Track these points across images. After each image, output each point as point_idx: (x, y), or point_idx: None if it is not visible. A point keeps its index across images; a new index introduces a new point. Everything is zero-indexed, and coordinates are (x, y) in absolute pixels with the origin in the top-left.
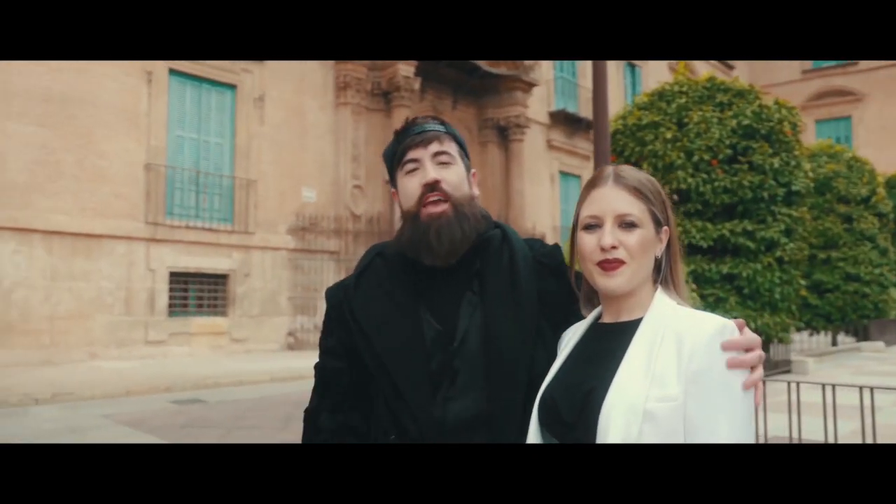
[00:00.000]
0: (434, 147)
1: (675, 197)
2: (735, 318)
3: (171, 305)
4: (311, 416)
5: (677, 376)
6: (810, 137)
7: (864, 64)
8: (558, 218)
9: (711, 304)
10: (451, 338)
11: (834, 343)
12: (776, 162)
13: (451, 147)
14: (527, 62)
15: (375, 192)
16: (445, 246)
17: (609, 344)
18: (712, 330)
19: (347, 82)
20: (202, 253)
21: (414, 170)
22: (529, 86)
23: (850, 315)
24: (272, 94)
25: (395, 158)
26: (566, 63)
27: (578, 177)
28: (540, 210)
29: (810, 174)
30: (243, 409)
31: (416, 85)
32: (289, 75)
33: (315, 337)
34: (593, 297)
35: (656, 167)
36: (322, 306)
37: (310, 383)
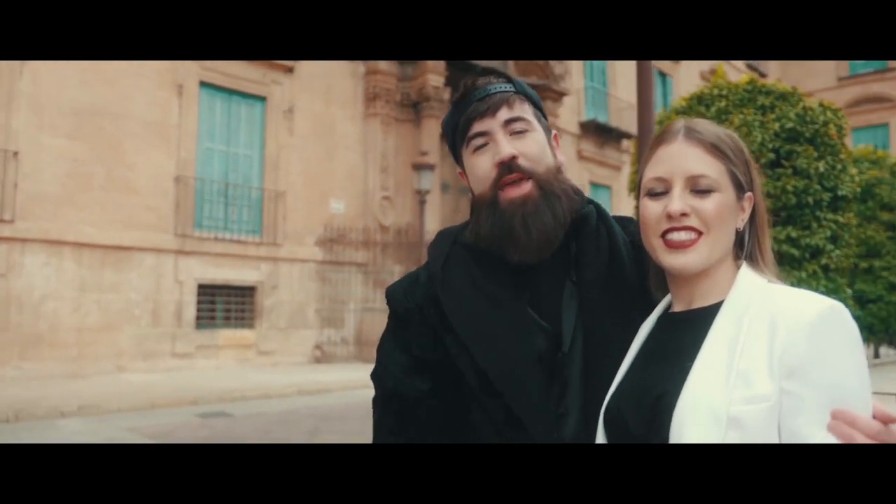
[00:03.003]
0: (504, 113)
1: None
2: None
3: (198, 318)
4: None
5: (769, 371)
6: (848, 145)
7: None
8: None
9: None
10: (559, 340)
11: (876, 355)
12: (821, 166)
13: (525, 110)
14: (557, 71)
15: (404, 203)
16: (536, 237)
17: (681, 337)
18: (815, 313)
19: (377, 93)
20: (230, 265)
21: (483, 145)
22: (559, 95)
23: (894, 326)
24: (301, 105)
25: (456, 133)
26: (596, 72)
27: (609, 187)
28: None
29: (856, 178)
30: (269, 422)
31: (446, 95)
32: (318, 86)
33: (342, 350)
34: (664, 278)
35: None
36: (350, 319)
37: (336, 397)
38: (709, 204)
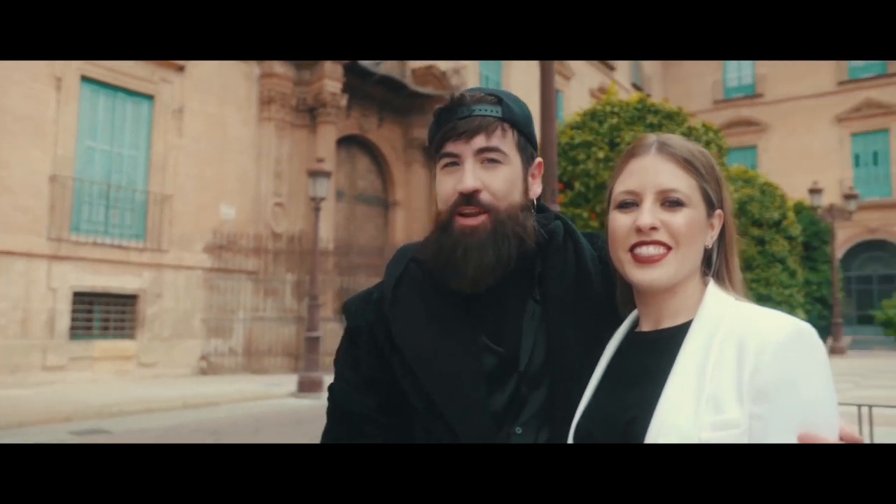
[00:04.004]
0: (479, 141)
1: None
2: None
3: (73, 328)
4: None
5: (738, 395)
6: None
7: (769, 96)
8: None
9: None
10: (515, 360)
11: None
12: None
13: (506, 139)
14: (454, 82)
15: (298, 210)
16: (471, 272)
17: (650, 359)
18: (783, 335)
19: (272, 96)
20: (110, 271)
21: (453, 165)
22: None
23: None
24: (192, 105)
25: (433, 142)
26: (491, 85)
27: None
28: None
29: (733, 196)
30: (153, 438)
31: (343, 101)
32: (210, 87)
33: (230, 361)
34: (632, 294)
35: (588, 186)
36: (239, 329)
37: (225, 410)
38: (679, 218)
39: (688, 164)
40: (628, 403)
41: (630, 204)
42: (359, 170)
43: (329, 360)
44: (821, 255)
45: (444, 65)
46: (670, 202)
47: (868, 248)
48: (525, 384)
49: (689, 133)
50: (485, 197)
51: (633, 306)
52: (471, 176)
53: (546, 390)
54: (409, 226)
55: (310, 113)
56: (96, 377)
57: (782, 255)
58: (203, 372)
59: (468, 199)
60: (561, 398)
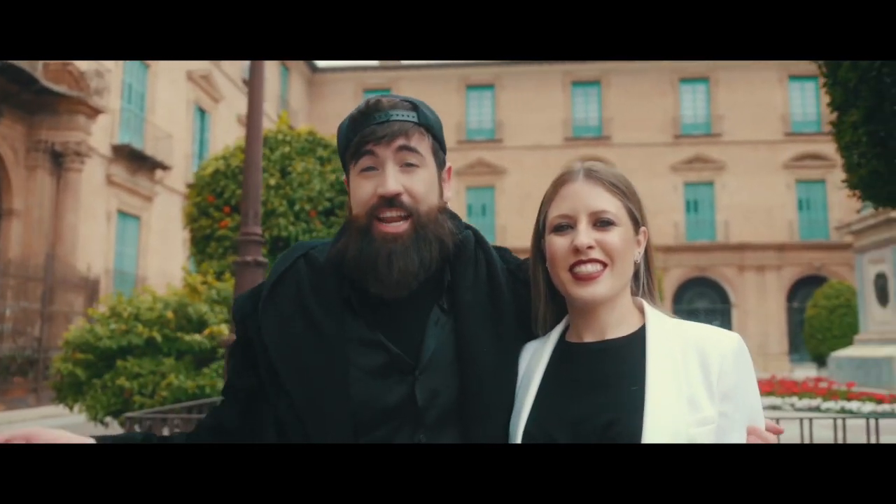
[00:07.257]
0: (399, 145)
1: (281, 244)
2: None
3: None
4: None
5: (709, 395)
6: (461, 202)
7: (508, 141)
8: (112, 260)
9: None
10: (411, 363)
11: None
12: None
13: (423, 143)
14: (94, 85)
15: None
16: (395, 277)
17: (606, 365)
18: (735, 344)
19: None
20: None
21: (371, 168)
22: (95, 112)
23: None
24: None
25: (349, 147)
26: (135, 96)
27: (138, 217)
28: (94, 250)
29: None
30: None
31: None
32: None
33: None
34: (555, 315)
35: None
36: None
37: None
38: (612, 236)
39: (613, 187)
40: (598, 407)
41: (565, 227)
42: None
43: None
44: None
45: (84, 65)
46: (602, 222)
47: None
48: (422, 390)
49: None
50: (406, 200)
51: (555, 323)
52: (393, 179)
53: (452, 397)
54: (27, 239)
55: None
56: None
57: None
58: None
59: (390, 202)
60: (471, 404)
